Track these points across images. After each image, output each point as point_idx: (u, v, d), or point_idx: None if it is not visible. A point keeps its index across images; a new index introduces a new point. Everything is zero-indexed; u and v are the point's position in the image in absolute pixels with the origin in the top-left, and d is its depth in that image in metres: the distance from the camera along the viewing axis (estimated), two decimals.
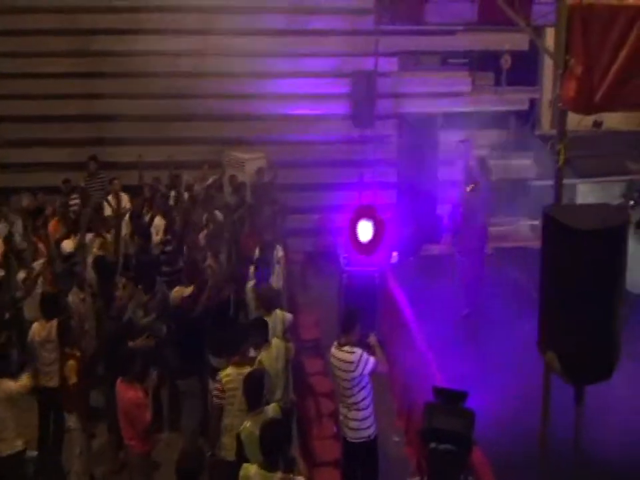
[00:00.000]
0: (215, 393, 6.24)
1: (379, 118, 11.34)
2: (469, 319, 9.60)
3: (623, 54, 4.43)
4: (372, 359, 6.29)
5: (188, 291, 7.92)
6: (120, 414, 6.42)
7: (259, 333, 6.64)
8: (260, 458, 5.03)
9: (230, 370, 6.23)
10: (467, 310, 9.74)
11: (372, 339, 6.51)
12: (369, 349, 6.41)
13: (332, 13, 13.88)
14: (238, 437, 5.58)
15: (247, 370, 6.13)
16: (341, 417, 6.57)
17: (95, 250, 9.24)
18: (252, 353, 6.99)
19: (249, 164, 12.61)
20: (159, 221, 10.17)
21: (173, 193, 11.18)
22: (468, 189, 10.19)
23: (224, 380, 6.17)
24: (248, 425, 5.55)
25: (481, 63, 14.48)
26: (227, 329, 7.33)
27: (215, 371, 6.82)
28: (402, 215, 11.48)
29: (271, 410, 5.75)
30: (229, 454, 6.00)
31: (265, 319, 7.03)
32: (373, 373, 6.35)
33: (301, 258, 12.06)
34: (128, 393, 6.28)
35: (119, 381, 6.40)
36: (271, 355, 6.63)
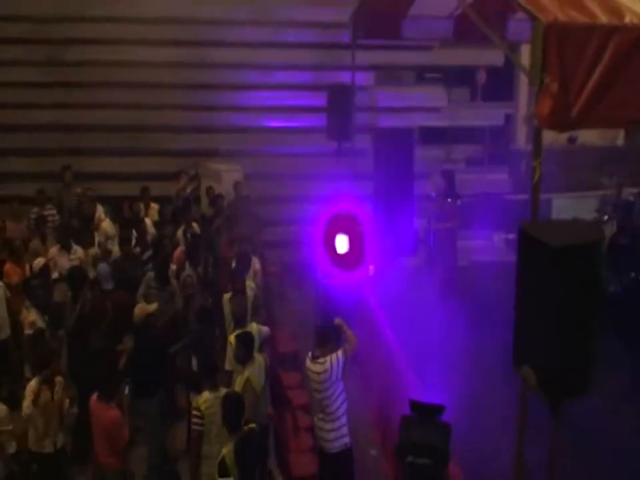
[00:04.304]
0: (194, 420, 6.03)
1: (356, 131, 11.37)
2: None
3: (597, 72, 4.50)
4: (340, 356, 6.32)
5: (152, 307, 7.85)
6: (97, 434, 6.24)
7: (246, 348, 6.54)
8: None
9: (207, 395, 6.07)
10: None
11: (337, 321, 6.59)
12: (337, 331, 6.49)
13: (308, 27, 13.99)
14: (222, 459, 5.36)
15: (222, 393, 5.99)
16: (317, 431, 6.57)
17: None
18: (227, 366, 6.99)
19: (226, 175, 12.59)
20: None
21: (142, 206, 11.19)
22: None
23: (203, 406, 6.00)
24: (230, 447, 5.37)
25: (457, 78, 14.65)
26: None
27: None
28: (378, 228, 11.50)
29: (250, 429, 5.59)
30: None
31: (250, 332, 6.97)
32: (348, 360, 6.40)
33: (278, 270, 12.06)
34: (107, 413, 6.12)
35: (94, 399, 6.22)
36: (256, 370, 6.57)
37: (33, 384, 6.45)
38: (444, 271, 9.95)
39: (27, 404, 6.36)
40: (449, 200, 9.94)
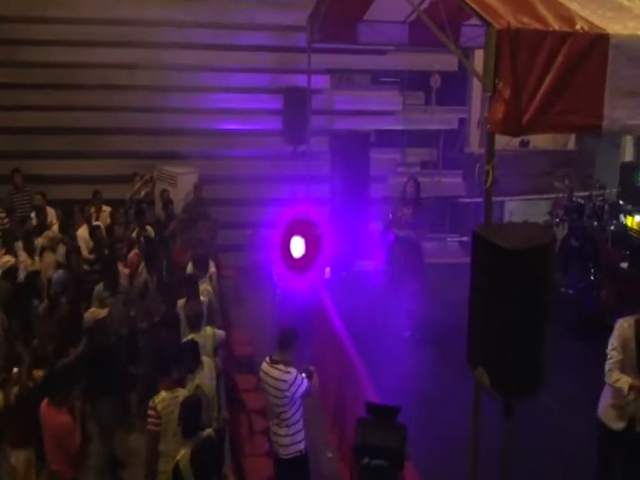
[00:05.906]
0: (150, 420, 5.99)
1: (312, 134, 11.39)
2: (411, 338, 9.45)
3: (549, 78, 4.56)
4: (305, 382, 6.26)
5: (103, 312, 7.84)
6: (47, 440, 6.12)
7: (191, 356, 6.48)
8: None
9: (164, 394, 6.05)
10: (409, 331, 9.49)
11: (312, 368, 6.52)
12: (308, 374, 6.41)
13: (264, 30, 13.97)
14: (177, 466, 5.32)
15: (179, 393, 6.02)
16: (272, 435, 6.50)
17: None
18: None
19: (181, 179, 12.50)
20: (83, 233, 10.09)
21: (93, 209, 11.04)
22: None
23: (159, 405, 5.97)
24: (185, 453, 5.35)
25: (412, 82, 14.78)
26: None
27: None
28: (334, 230, 11.52)
29: (207, 435, 5.59)
30: None
31: (194, 338, 6.92)
32: (304, 396, 6.33)
33: (234, 273, 12.00)
34: (57, 418, 6.01)
35: (44, 404, 6.10)
36: (206, 375, 6.52)
37: None
38: (409, 277, 9.92)
39: None
40: (411, 207, 9.95)
